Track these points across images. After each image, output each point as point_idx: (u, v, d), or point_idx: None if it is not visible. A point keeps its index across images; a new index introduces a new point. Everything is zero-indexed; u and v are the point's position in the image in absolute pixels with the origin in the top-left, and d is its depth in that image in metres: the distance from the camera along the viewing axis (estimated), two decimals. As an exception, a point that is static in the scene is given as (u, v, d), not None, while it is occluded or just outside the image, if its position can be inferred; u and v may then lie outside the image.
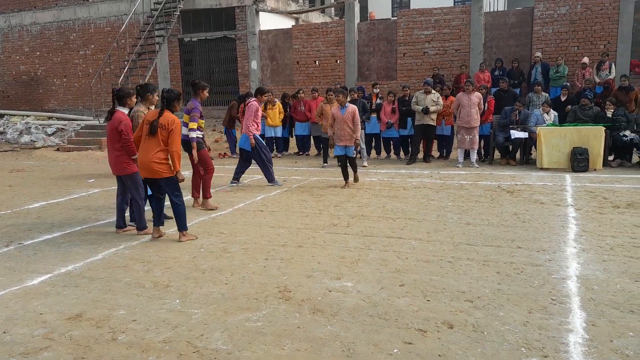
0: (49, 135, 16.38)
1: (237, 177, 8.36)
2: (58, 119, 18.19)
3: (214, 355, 2.93)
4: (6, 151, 15.12)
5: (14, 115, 18.79)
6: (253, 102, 7.94)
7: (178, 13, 16.01)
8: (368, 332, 3.15)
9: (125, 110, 5.54)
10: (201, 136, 6.71)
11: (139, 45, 15.80)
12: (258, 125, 7.93)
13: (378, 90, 11.51)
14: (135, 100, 5.59)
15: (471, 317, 3.33)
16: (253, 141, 7.86)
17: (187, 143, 6.36)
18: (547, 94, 10.70)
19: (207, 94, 6.61)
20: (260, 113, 8.03)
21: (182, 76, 17.50)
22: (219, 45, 17.06)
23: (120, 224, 5.70)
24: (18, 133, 16.56)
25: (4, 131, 17.83)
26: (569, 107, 9.90)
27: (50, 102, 19.62)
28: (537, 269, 4.16)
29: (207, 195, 6.80)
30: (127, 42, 16.56)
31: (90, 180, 9.40)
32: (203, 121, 6.70)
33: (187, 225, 5.33)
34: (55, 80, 19.40)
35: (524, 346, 2.93)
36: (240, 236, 5.37)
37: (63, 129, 17.04)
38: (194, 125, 6.44)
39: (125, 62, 15.66)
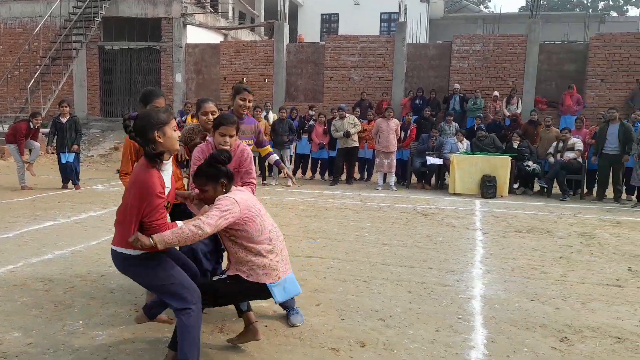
0: (-56, 139, 14.86)
1: None
2: (-44, 122, 16.58)
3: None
4: None
5: None
6: None
7: (99, 19, 15.35)
8: (282, 352, 3.13)
9: None
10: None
11: (54, 50, 14.92)
12: None
13: (314, 112, 11.75)
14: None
15: (382, 335, 3.42)
16: None
17: None
18: (456, 124, 11.35)
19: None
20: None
21: (101, 85, 16.71)
22: (142, 56, 16.50)
23: None
24: None
25: None
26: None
27: (-53, 103, 17.86)
28: (446, 289, 4.37)
29: None
30: (41, 45, 15.58)
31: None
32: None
33: None
34: (-46, 80, 17.71)
35: (430, 363, 3.05)
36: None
37: (-39, 133, 15.54)
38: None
39: (37, 67, 14.70)
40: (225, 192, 2.89)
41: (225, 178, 2.90)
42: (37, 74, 14.31)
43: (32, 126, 9.03)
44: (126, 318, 3.57)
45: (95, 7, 15.25)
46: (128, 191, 2.67)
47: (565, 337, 3.45)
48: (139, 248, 2.59)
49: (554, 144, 9.57)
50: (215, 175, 2.87)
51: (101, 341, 3.22)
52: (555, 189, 9.44)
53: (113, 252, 2.74)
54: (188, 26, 16.10)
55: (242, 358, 3.05)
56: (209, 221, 2.66)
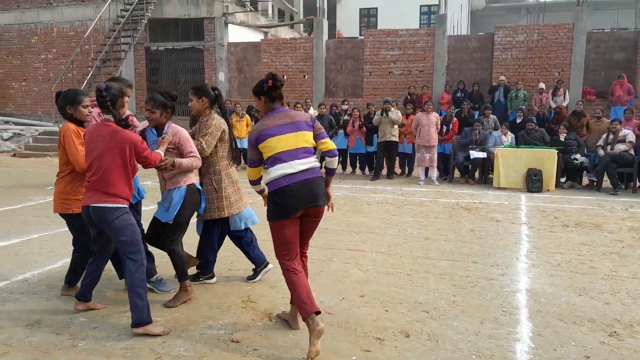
0: (5, 140, 15.83)
1: None
2: (15, 123, 17.61)
3: (176, 363, 2.96)
4: (-42, 155, 14.50)
5: (-32, 117, 18.07)
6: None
7: (145, 21, 15.90)
8: (328, 341, 3.24)
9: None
10: None
11: (104, 52, 15.58)
12: None
13: (347, 106, 11.79)
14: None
15: (427, 326, 3.48)
16: None
17: None
18: (495, 117, 11.11)
19: None
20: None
21: (148, 85, 17.32)
22: (186, 56, 17.01)
23: None
24: (-29, 136, 15.93)
25: (-44, 134, 17.14)
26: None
27: (7, 106, 18.99)
28: (490, 282, 4.37)
29: None
30: (92, 48, 16.29)
31: (49, 188, 9.16)
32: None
33: None
34: (13, 83, 18.81)
35: (475, 354, 3.09)
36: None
37: (20, 134, 16.52)
38: None
39: (89, 69, 15.39)
40: (167, 121, 3.72)
41: (172, 109, 3.73)
42: (89, 75, 14.99)
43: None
44: (182, 306, 3.77)
45: (142, 9, 15.81)
46: (111, 152, 3.23)
47: (615, 332, 3.41)
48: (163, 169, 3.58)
49: (604, 135, 9.26)
50: (165, 104, 3.67)
51: (160, 325, 3.42)
52: (606, 182, 9.15)
53: (99, 209, 3.24)
54: (229, 25, 16.46)
55: (289, 344, 3.18)
56: (195, 152, 3.72)
